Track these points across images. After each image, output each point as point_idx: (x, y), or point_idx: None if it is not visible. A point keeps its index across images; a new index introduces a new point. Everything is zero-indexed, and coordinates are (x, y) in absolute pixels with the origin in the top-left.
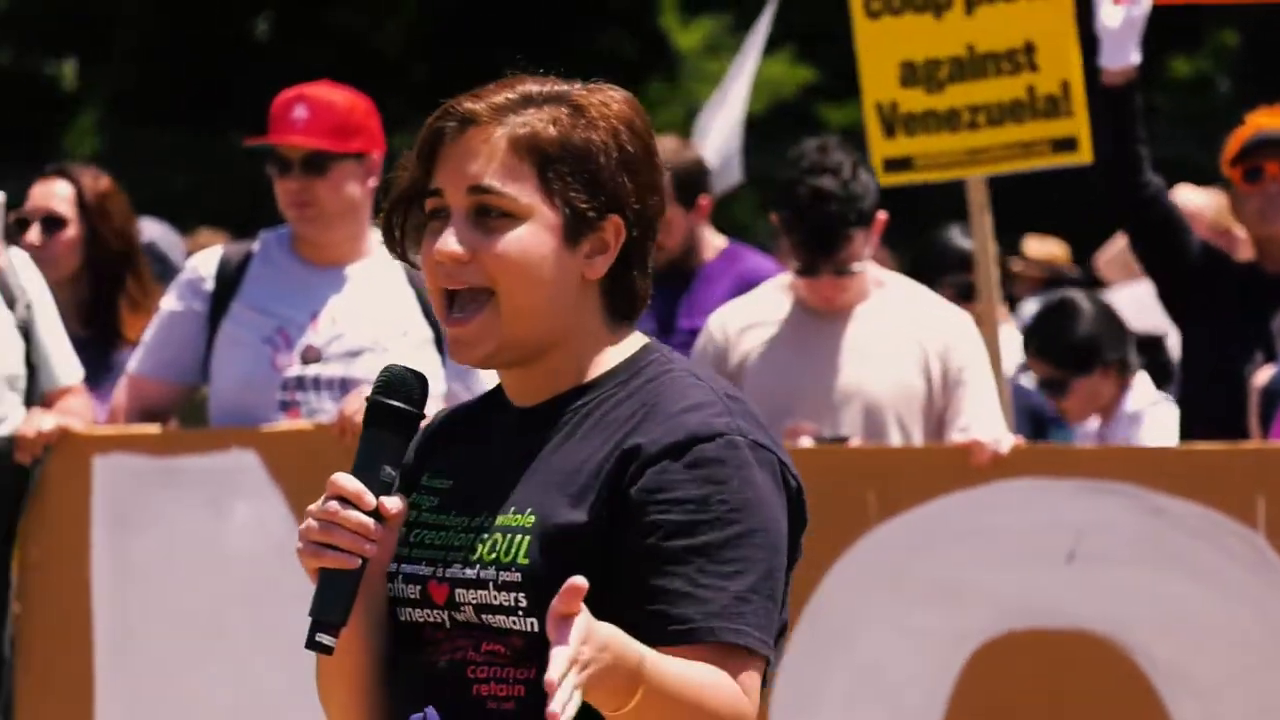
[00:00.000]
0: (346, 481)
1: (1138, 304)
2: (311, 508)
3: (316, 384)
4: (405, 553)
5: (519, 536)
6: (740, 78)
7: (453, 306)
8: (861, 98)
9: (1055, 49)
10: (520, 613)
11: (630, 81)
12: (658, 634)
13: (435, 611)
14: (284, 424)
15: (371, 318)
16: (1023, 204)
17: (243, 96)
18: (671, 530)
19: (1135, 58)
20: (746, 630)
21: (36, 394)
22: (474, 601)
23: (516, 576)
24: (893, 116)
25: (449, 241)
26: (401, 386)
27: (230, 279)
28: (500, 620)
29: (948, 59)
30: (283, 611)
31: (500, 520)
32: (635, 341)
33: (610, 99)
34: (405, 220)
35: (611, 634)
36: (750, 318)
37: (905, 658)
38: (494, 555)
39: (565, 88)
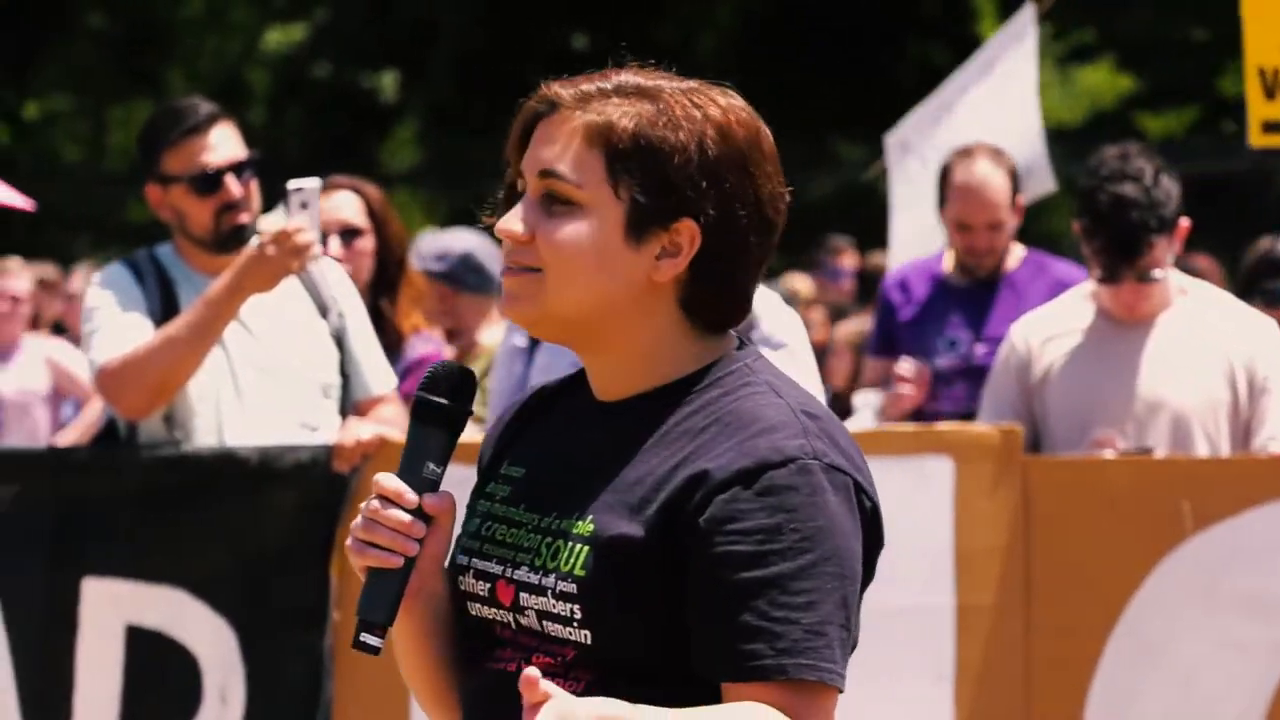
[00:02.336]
0: (388, 480)
1: None
2: (361, 506)
3: None
4: (477, 546)
5: (579, 546)
6: (1016, 86)
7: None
8: (1243, 61)
9: None
10: (575, 624)
11: None
12: (729, 671)
13: (501, 612)
14: None
15: None
16: None
17: None
18: (741, 562)
19: None
20: (820, 665)
21: (348, 403)
22: (536, 607)
23: (573, 587)
24: (1274, 81)
25: (510, 220)
26: (446, 382)
27: None
28: (557, 629)
29: None
30: None
31: (564, 525)
32: (720, 348)
33: (710, 101)
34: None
35: (589, 711)
36: (1053, 328)
37: (1221, 670)
38: (555, 563)
39: (663, 83)
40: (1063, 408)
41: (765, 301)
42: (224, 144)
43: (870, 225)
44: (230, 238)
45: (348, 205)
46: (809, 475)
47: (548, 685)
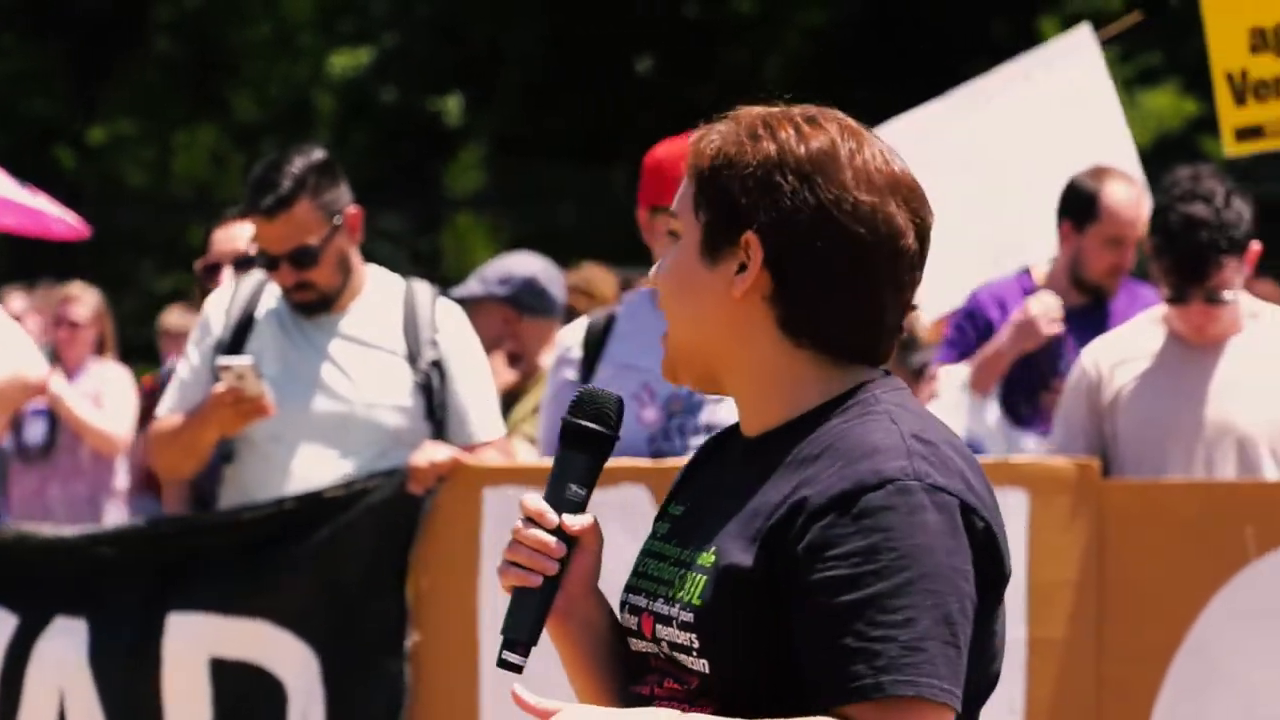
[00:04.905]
0: (530, 500)
1: None
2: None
3: (682, 431)
4: (634, 583)
5: (699, 576)
6: (1100, 110)
7: None
8: (1210, 68)
9: None
10: (694, 652)
11: None
12: (832, 693)
13: (647, 643)
14: (674, 460)
15: None
16: None
17: (625, 132)
18: (839, 587)
19: None
20: (918, 680)
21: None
22: (666, 638)
23: (690, 617)
24: (1243, 85)
25: (652, 270)
26: (593, 406)
27: (596, 343)
28: (683, 658)
29: None
30: None
31: (693, 556)
32: (852, 378)
33: (786, 119)
34: None
35: None
36: (1124, 352)
37: None
38: (681, 594)
39: (756, 108)
40: (1132, 431)
41: None
42: (289, 234)
43: None
44: (301, 310)
45: (245, 237)
46: (907, 495)
47: (546, 703)
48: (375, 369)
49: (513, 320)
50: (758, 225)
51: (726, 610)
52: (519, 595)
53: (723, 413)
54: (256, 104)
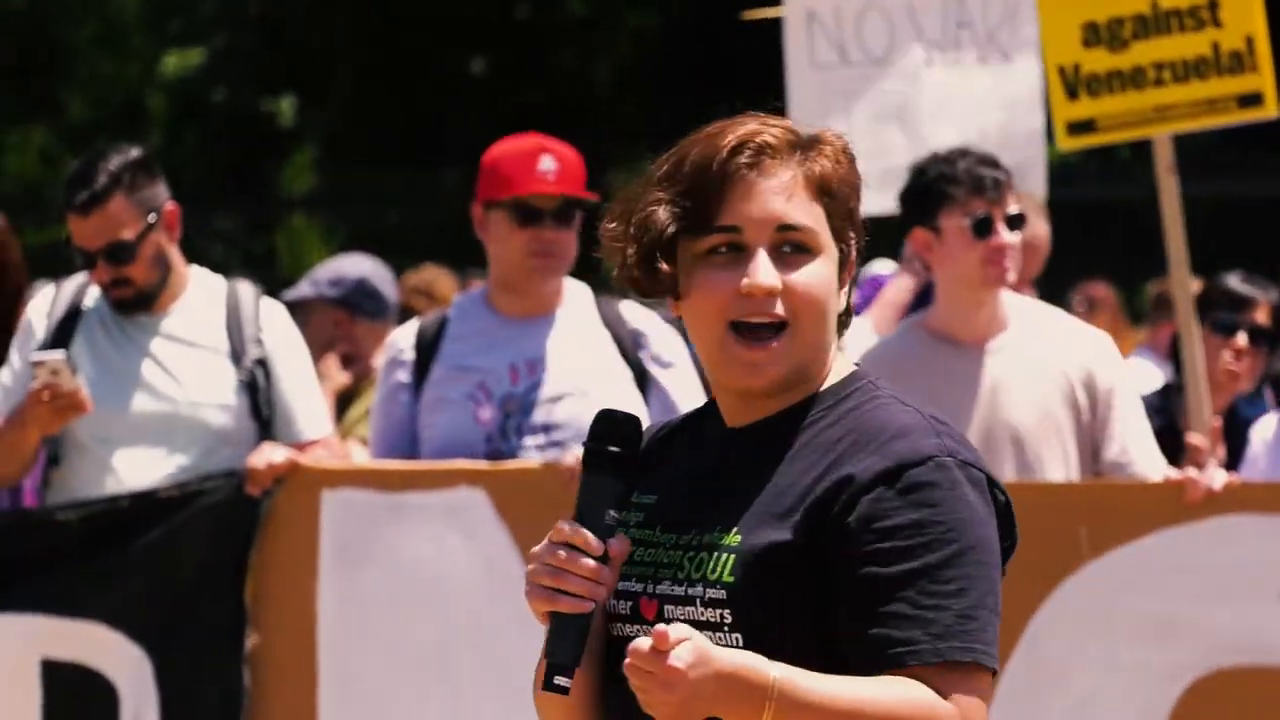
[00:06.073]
0: (571, 529)
1: None
2: (535, 550)
3: (519, 431)
4: (622, 569)
5: (725, 555)
6: (1021, 80)
7: (749, 338)
8: (1044, 62)
9: (1239, 5)
10: (725, 628)
11: None
12: (884, 659)
13: (645, 627)
14: (512, 463)
15: (569, 363)
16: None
17: (457, 134)
18: (891, 556)
19: None
20: (973, 647)
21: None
22: (682, 617)
23: (722, 594)
24: (1075, 79)
25: (766, 275)
26: (615, 429)
27: (429, 345)
28: (707, 635)
29: (1131, 16)
30: (505, 647)
31: (708, 539)
32: (844, 366)
33: (822, 132)
34: (673, 255)
35: (729, 656)
36: (891, 361)
37: (1117, 694)
38: (701, 573)
39: (808, 130)
40: None
41: (650, 321)
42: (103, 229)
43: None
44: (120, 308)
45: None
46: (946, 471)
47: (682, 629)
48: (198, 368)
49: (345, 322)
50: (857, 250)
51: (760, 585)
52: (560, 620)
53: (559, 413)
54: (88, 104)
